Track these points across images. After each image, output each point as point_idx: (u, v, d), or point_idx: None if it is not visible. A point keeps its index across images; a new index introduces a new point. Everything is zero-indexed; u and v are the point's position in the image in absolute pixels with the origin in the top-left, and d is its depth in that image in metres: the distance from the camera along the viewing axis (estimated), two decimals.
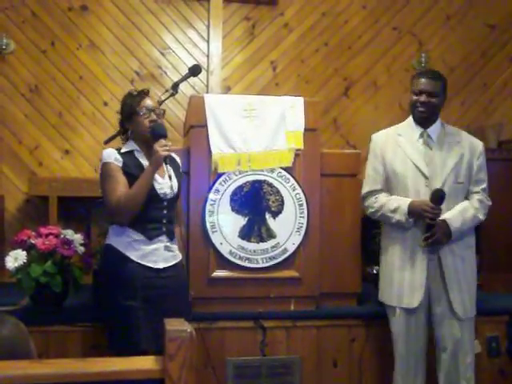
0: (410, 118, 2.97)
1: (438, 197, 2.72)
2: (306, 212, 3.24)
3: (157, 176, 2.58)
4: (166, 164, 2.58)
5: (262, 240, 3.20)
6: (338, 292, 3.36)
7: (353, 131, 5.05)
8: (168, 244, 2.64)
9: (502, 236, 3.92)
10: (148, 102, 2.65)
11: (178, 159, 2.83)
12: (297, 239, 3.23)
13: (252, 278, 3.20)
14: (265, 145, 3.19)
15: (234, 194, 3.18)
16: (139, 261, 2.56)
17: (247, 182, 3.19)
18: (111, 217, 2.65)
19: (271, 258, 3.21)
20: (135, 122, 2.64)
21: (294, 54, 5.05)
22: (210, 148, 3.14)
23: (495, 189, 3.69)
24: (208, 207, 3.13)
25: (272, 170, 3.21)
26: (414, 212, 2.78)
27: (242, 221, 3.19)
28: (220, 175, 3.16)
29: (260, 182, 3.20)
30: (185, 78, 3.39)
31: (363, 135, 5.07)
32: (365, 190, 3.03)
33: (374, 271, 3.40)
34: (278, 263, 3.22)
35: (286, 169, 3.22)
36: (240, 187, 3.19)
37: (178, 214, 2.84)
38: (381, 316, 3.05)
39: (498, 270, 3.88)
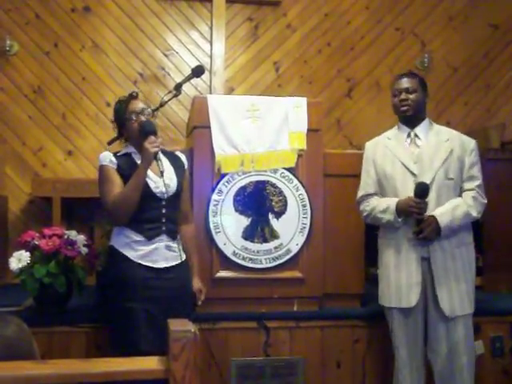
0: (398, 122, 2.99)
1: (421, 190, 2.70)
2: (309, 212, 3.23)
3: (152, 175, 2.56)
4: (156, 160, 2.51)
5: (265, 240, 3.19)
6: (341, 293, 3.35)
7: (356, 132, 5.05)
8: (169, 243, 2.60)
9: (505, 236, 3.90)
10: (135, 105, 2.62)
11: (183, 158, 2.81)
12: (300, 240, 3.22)
13: (255, 279, 3.20)
14: (268, 145, 3.19)
15: (238, 194, 3.18)
16: (139, 261, 2.54)
17: (250, 182, 3.19)
18: (109, 218, 2.67)
19: (274, 259, 3.21)
20: (127, 128, 2.64)
21: (297, 54, 5.05)
22: (213, 149, 3.14)
23: (497, 189, 3.71)
24: (211, 208, 3.14)
25: (275, 171, 3.21)
26: (401, 209, 2.77)
27: (245, 221, 3.19)
28: (223, 176, 3.16)
29: (263, 183, 3.20)
30: (188, 79, 3.38)
31: (366, 136, 5.04)
32: (359, 195, 3.04)
33: (377, 272, 3.39)
34: (281, 264, 3.21)
35: (289, 169, 3.22)
36: (243, 188, 3.19)
37: (187, 213, 2.81)
38: (384, 317, 3.05)
39: (501, 270, 3.87)
